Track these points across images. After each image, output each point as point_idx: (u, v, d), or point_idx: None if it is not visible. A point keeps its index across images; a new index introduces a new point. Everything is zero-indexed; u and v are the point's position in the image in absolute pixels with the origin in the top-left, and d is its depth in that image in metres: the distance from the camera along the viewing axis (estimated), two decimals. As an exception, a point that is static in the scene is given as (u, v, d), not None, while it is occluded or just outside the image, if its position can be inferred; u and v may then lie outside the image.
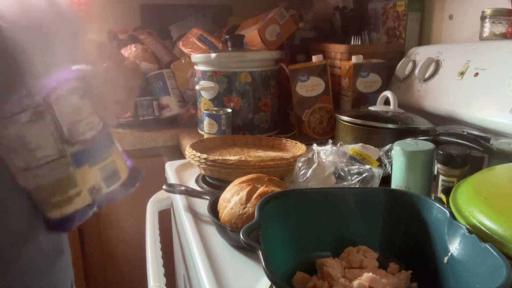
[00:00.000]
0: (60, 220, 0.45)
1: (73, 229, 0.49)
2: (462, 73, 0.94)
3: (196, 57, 1.19)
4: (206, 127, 1.12)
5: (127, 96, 0.53)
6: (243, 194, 0.63)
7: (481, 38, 0.99)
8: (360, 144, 0.80)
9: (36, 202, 0.45)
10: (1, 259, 0.47)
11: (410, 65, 1.14)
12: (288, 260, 0.49)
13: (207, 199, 0.73)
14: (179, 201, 0.80)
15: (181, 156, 1.20)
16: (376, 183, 0.70)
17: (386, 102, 1.01)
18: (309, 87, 1.13)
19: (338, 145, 0.78)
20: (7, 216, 0.47)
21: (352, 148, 0.78)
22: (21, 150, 0.42)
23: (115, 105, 0.50)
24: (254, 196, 0.62)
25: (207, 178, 0.88)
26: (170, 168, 0.98)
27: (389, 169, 0.71)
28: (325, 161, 0.74)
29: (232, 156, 0.86)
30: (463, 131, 0.77)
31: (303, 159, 0.75)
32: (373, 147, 0.79)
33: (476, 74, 0.90)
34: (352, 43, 1.32)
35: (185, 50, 1.38)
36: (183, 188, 0.80)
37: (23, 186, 0.43)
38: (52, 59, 0.44)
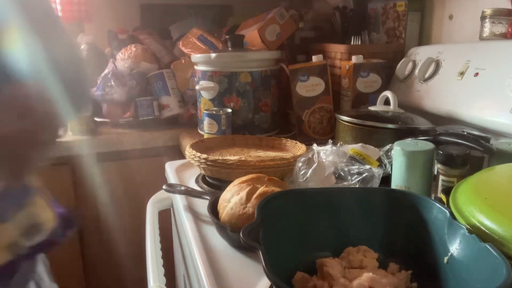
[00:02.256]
0: None
1: (7, 282, 0.45)
2: (462, 73, 0.94)
3: (196, 57, 1.19)
4: (206, 127, 1.11)
5: (38, 149, 0.46)
6: (243, 194, 0.63)
7: (481, 38, 0.99)
8: (360, 144, 0.80)
9: None
10: None
11: (410, 65, 1.14)
12: (288, 260, 0.49)
13: (207, 199, 0.73)
14: (179, 201, 0.80)
15: (181, 156, 1.20)
16: (376, 183, 0.70)
17: (386, 102, 1.01)
18: (309, 87, 1.13)
19: (338, 145, 0.78)
20: None
21: (352, 148, 0.78)
22: None
23: (27, 157, 0.44)
24: (254, 196, 0.62)
25: (207, 178, 0.87)
26: (170, 168, 0.98)
27: (389, 169, 0.71)
28: (325, 161, 0.74)
29: (232, 156, 0.86)
30: (463, 131, 0.77)
31: (303, 159, 0.75)
32: (373, 147, 0.79)
33: (476, 74, 0.90)
34: (352, 43, 1.32)
35: (185, 50, 1.38)
36: (183, 188, 0.80)
37: None
38: None
